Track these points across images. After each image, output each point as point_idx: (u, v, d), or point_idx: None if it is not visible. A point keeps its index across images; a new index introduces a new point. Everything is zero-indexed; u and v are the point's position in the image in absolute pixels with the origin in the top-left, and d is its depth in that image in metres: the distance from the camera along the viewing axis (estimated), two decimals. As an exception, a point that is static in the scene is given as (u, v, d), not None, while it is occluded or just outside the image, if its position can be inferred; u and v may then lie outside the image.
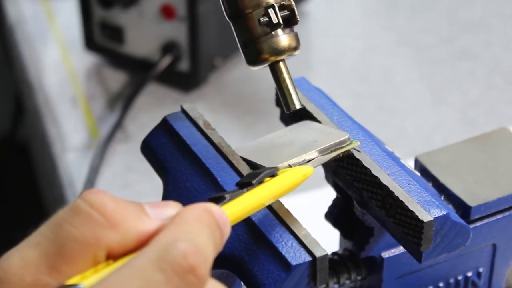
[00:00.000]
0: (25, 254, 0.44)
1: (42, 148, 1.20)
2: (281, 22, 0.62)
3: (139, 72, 1.17)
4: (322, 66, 1.24)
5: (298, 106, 0.63)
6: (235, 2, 0.62)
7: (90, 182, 1.01)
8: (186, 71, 1.16)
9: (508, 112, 1.15)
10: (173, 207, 0.48)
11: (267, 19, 0.61)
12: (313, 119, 0.67)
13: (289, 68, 0.64)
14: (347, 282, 0.69)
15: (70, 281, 0.44)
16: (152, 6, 1.14)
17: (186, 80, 1.17)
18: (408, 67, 1.23)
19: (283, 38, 0.62)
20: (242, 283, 0.60)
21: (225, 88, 1.18)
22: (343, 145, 0.63)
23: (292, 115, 0.70)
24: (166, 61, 1.15)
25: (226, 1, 0.63)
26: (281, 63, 0.63)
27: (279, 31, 0.62)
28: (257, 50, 0.62)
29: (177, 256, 0.44)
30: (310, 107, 0.68)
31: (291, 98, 0.63)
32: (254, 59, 0.63)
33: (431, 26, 1.31)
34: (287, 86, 0.63)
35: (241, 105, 1.15)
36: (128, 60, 1.19)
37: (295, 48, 0.63)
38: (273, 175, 0.57)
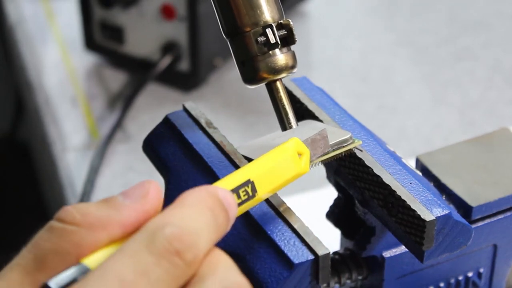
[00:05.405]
0: (9, 277, 0.46)
1: (42, 148, 1.20)
2: (279, 42, 0.61)
3: (139, 72, 1.17)
4: (322, 66, 1.24)
5: (294, 126, 0.63)
6: (233, 20, 0.62)
7: (90, 182, 1.00)
8: (186, 71, 1.16)
9: (508, 112, 1.15)
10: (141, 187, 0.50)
11: (264, 39, 0.61)
12: (315, 118, 0.67)
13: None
14: (348, 281, 0.69)
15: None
16: (152, 6, 1.14)
17: (186, 80, 1.17)
18: (408, 67, 1.23)
19: (280, 58, 0.62)
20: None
21: (225, 88, 1.18)
22: (345, 144, 0.63)
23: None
24: (166, 61, 1.14)
25: (223, 18, 0.62)
26: (278, 82, 0.62)
27: (277, 50, 0.62)
28: (254, 68, 0.62)
29: (163, 240, 0.45)
30: (312, 107, 0.68)
31: (288, 118, 0.62)
32: (251, 77, 0.62)
33: (431, 26, 1.31)
34: (283, 105, 0.62)
35: (241, 105, 1.15)
36: (128, 60, 1.19)
37: (292, 67, 0.62)
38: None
